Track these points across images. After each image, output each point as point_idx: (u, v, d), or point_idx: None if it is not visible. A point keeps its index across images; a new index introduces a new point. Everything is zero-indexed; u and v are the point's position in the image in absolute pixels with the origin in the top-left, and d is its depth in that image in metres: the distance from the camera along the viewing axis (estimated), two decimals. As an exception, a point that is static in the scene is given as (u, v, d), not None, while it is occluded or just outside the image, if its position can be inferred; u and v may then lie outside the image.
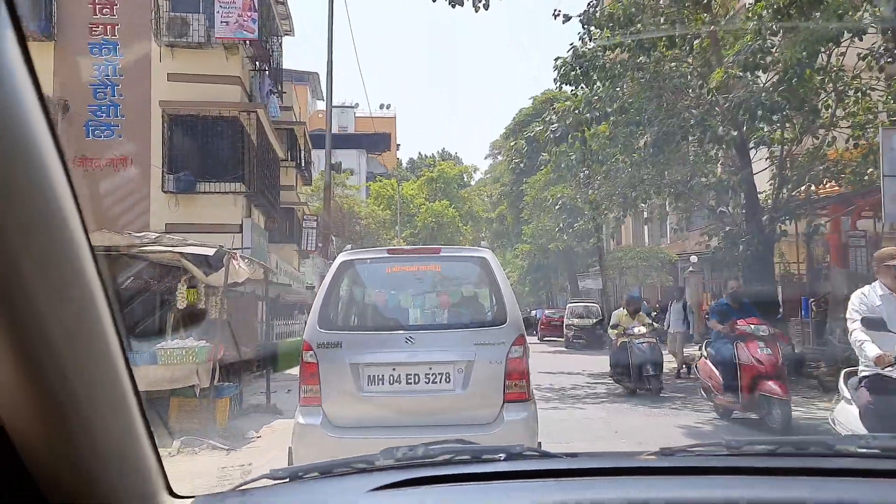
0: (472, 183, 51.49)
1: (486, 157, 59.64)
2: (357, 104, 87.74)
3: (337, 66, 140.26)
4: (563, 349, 28.22)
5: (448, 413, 5.18)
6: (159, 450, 1.24)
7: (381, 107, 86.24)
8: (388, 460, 1.57)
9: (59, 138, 0.85)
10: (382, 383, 5.17)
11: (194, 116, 15.59)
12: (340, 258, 5.72)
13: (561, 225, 22.20)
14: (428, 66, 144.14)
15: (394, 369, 5.18)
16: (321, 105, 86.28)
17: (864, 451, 1.60)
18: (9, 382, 0.92)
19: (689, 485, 1.42)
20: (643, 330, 13.31)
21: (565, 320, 30.27)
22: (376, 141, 69.87)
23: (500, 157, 46.88)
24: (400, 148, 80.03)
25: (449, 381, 5.17)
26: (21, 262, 0.83)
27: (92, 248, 0.93)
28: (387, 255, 5.92)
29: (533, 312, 45.91)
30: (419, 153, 47.98)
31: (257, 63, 18.63)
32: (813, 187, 16.55)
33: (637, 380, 12.93)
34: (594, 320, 28.85)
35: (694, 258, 26.74)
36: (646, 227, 37.63)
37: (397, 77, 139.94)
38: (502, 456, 1.56)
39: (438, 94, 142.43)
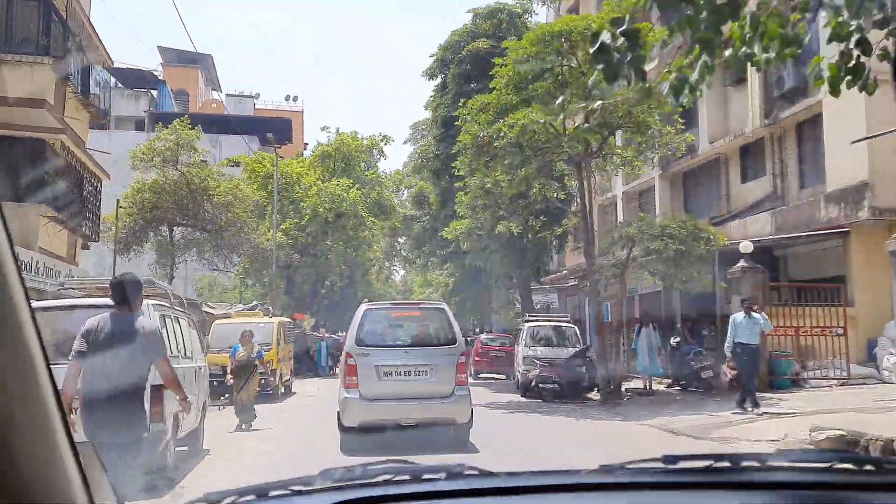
0: (388, 169, 39.31)
1: (405, 142, 47.76)
2: (258, 94, 75.42)
3: (239, 52, 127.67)
4: (521, 401, 16.35)
5: (426, 390, 9.31)
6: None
7: (288, 98, 74.35)
8: (326, 482, 1.54)
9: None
10: (391, 376, 9.32)
11: None
12: (363, 307, 10.08)
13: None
14: (343, 59, 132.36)
15: (397, 368, 9.36)
16: (216, 95, 73.73)
17: (796, 464, 1.64)
18: None
19: (627, 499, 1.47)
20: None
21: (519, 350, 18.55)
22: (273, 129, 57.29)
23: (424, 139, 35.14)
24: (308, 147, 67.62)
25: (427, 375, 9.38)
26: None
27: (12, 246, 0.94)
28: (392, 305, 11.85)
29: None
30: (327, 138, 35.46)
31: None
32: None
33: None
34: (573, 349, 17.18)
35: (747, 244, 15.51)
36: (617, 192, 26.37)
37: (309, 72, 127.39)
38: (443, 475, 1.56)
39: (355, 91, 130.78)
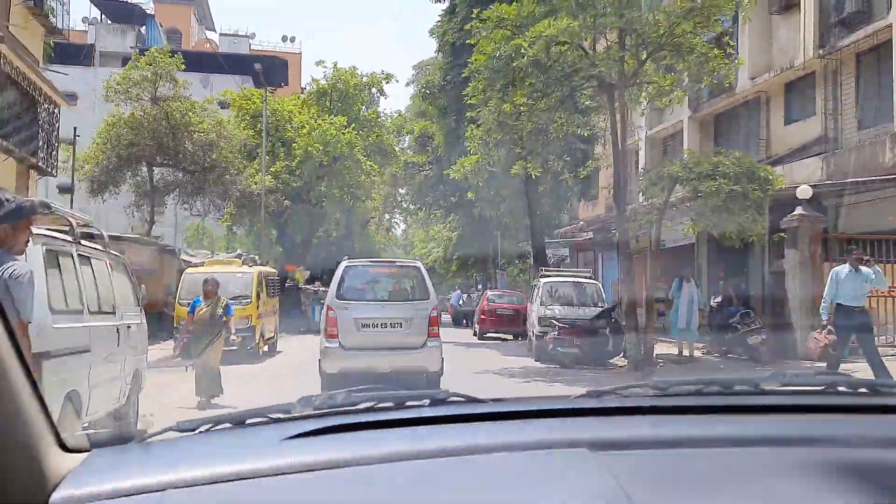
0: (389, 110, 36.71)
1: (408, 84, 44.94)
2: (254, 34, 71.88)
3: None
4: (537, 367, 14.26)
5: (400, 341, 9.94)
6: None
7: (284, 39, 70.69)
8: (307, 409, 1.46)
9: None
10: (369, 327, 10.00)
11: None
12: (344, 264, 10.62)
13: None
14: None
15: (375, 321, 10.04)
16: (210, 35, 70.26)
17: (788, 388, 1.59)
18: None
19: (615, 424, 1.39)
20: None
21: (534, 309, 16.37)
22: (268, 69, 54.27)
23: (429, 71, 32.31)
24: (305, 91, 64.64)
25: (402, 327, 10.02)
26: None
27: None
28: (370, 262, 11.99)
29: (450, 298, 32.69)
30: (323, 74, 32.59)
31: None
32: None
33: None
34: (594, 308, 15.00)
35: (806, 189, 13.18)
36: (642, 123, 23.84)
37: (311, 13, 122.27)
38: (427, 401, 1.50)
39: (358, 32, 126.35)
